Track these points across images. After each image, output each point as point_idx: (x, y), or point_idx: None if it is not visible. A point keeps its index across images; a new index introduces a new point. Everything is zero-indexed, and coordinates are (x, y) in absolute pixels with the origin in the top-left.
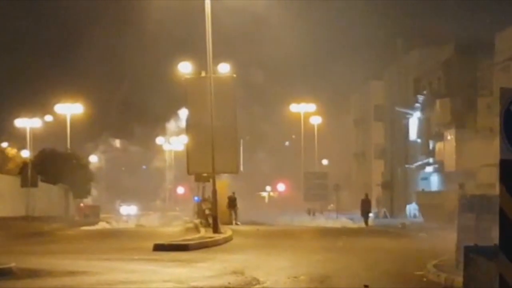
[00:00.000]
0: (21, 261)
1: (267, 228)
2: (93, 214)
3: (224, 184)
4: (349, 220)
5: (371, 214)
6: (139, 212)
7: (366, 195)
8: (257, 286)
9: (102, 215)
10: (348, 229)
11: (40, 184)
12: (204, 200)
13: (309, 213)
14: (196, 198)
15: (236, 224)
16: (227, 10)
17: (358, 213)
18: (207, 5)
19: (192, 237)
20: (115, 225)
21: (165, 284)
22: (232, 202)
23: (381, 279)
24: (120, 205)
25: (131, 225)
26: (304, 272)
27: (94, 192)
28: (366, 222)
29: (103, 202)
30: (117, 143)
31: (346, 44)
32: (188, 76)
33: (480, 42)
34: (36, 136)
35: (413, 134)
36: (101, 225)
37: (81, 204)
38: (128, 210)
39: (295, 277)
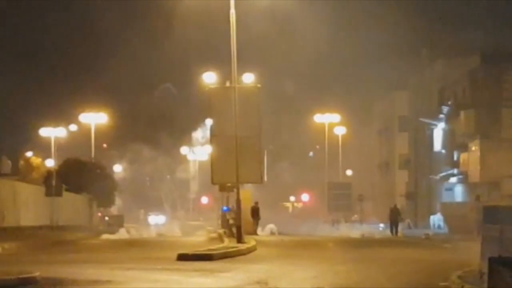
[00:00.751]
0: (45, 270)
1: (291, 238)
2: (117, 224)
3: (248, 194)
4: (373, 231)
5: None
6: (167, 221)
7: (395, 205)
8: None
9: (126, 225)
10: (372, 240)
11: (65, 193)
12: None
13: (333, 223)
14: (224, 208)
15: (256, 234)
16: (251, 19)
17: (381, 223)
18: (232, 15)
19: (216, 247)
20: (134, 233)
21: None
22: (255, 212)
23: None
24: (149, 215)
25: (152, 234)
26: (328, 282)
27: (118, 201)
28: (396, 231)
29: (127, 211)
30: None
31: (370, 54)
32: (212, 86)
33: (505, 52)
34: (61, 146)
35: (437, 145)
36: (121, 233)
37: (99, 214)
38: (156, 219)
39: (319, 287)
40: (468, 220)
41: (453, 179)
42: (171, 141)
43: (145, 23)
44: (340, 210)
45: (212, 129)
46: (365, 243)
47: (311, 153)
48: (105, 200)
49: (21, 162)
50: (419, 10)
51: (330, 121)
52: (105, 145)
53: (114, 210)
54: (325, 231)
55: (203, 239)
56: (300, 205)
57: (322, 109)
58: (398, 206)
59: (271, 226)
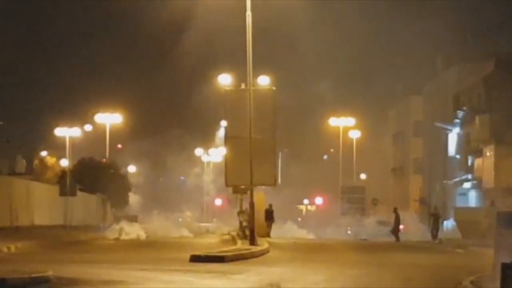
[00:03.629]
0: (58, 269)
1: (304, 241)
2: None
3: (262, 197)
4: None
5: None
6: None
7: (395, 209)
8: None
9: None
10: (384, 244)
11: (79, 193)
12: (241, 212)
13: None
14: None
15: (269, 236)
16: (268, 21)
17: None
18: (248, 17)
19: (228, 249)
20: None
21: None
22: (269, 215)
23: None
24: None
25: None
26: (340, 286)
27: (133, 201)
28: (397, 237)
29: (142, 212)
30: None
31: (386, 58)
32: (227, 88)
33: None
34: (75, 146)
35: (452, 150)
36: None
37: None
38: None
39: None
40: (482, 226)
41: (467, 184)
42: (186, 143)
43: (161, 24)
44: (354, 213)
45: (226, 131)
46: (377, 247)
47: (325, 156)
48: (119, 200)
49: (36, 162)
50: (435, 15)
51: (345, 124)
52: (119, 146)
53: (128, 210)
54: (338, 234)
55: (216, 241)
56: (313, 208)
57: (337, 113)
58: (411, 210)
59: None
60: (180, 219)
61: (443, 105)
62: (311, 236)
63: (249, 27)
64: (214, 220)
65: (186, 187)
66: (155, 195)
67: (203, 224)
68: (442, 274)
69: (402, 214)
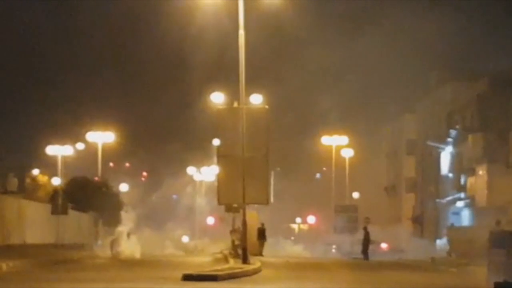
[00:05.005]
0: None
1: (297, 260)
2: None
3: (254, 215)
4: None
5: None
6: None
7: (365, 227)
8: None
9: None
10: (378, 262)
11: (70, 211)
12: (233, 230)
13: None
14: None
15: (261, 255)
16: (260, 40)
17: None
18: (240, 36)
19: (221, 268)
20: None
21: None
22: (261, 233)
23: None
24: None
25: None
26: None
27: (125, 220)
28: (366, 256)
29: (133, 230)
30: (147, 172)
31: (379, 77)
32: (220, 107)
33: None
34: (67, 164)
35: (444, 169)
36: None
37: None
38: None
39: None
40: (475, 245)
41: (460, 203)
42: (178, 161)
43: (154, 43)
44: (346, 232)
45: (219, 149)
46: (370, 265)
47: (318, 175)
48: (111, 219)
49: (28, 180)
50: (429, 33)
51: (337, 143)
52: (112, 164)
53: (122, 229)
54: (331, 253)
55: (208, 260)
56: (306, 226)
57: (330, 131)
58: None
59: None
60: (175, 238)
61: (436, 124)
62: (307, 253)
63: (242, 45)
64: (206, 239)
65: (178, 206)
66: (147, 214)
67: (192, 242)
68: None
69: (396, 233)
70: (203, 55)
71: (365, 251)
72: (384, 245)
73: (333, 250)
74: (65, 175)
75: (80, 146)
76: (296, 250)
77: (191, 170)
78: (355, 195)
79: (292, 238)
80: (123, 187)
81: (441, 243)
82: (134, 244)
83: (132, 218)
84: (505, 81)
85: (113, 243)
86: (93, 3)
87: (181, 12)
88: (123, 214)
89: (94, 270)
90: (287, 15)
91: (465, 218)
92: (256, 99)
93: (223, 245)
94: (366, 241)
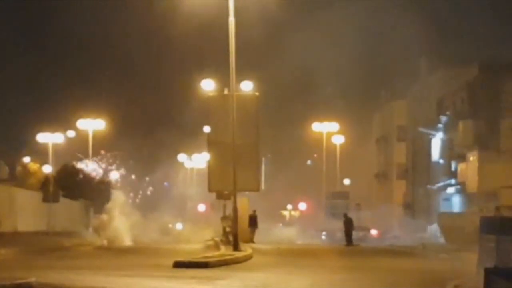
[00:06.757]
0: (41, 276)
1: (288, 247)
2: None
3: (245, 202)
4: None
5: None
6: (184, 228)
7: (345, 214)
8: None
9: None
10: (369, 249)
11: (62, 199)
12: (224, 217)
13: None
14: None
15: (252, 242)
16: (250, 27)
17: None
18: (231, 23)
19: (212, 255)
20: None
21: None
22: (253, 220)
23: None
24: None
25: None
26: None
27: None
28: (349, 241)
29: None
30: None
31: (370, 63)
32: (210, 94)
33: (504, 63)
34: (58, 151)
35: (435, 155)
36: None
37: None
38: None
39: None
40: (465, 231)
41: (450, 189)
42: (169, 148)
43: (144, 30)
44: (337, 219)
45: (209, 136)
46: (361, 252)
47: (309, 162)
48: (102, 206)
49: (19, 168)
50: (419, 20)
51: (328, 130)
52: (102, 152)
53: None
54: (322, 240)
55: (200, 247)
56: (297, 213)
57: (321, 118)
58: (394, 216)
59: None
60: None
61: (427, 110)
62: (298, 239)
63: (232, 32)
64: (199, 225)
65: (169, 193)
66: (137, 201)
67: (180, 228)
68: (426, 279)
69: (387, 219)
70: (193, 42)
71: (348, 237)
72: (374, 232)
73: (323, 237)
74: (56, 163)
75: (71, 133)
76: (288, 236)
77: (182, 157)
78: (346, 181)
79: (280, 224)
80: (114, 175)
81: (432, 228)
82: (122, 229)
83: (121, 202)
84: (495, 67)
85: (99, 227)
86: None
87: None
88: (111, 197)
89: (85, 258)
90: (278, 1)
91: (456, 204)
92: (247, 86)
93: (212, 233)
94: (349, 227)
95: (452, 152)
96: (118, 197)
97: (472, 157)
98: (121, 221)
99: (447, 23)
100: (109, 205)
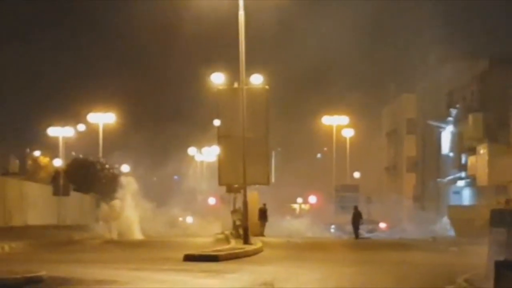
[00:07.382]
0: (51, 269)
1: (298, 240)
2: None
3: (255, 196)
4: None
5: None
6: (194, 222)
7: (356, 208)
8: None
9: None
10: (379, 242)
11: (72, 193)
12: (234, 211)
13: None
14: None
15: (262, 235)
16: (261, 21)
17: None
18: (240, 17)
19: (222, 248)
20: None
21: None
22: (263, 214)
23: None
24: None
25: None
26: (334, 285)
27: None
28: (356, 234)
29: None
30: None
31: (380, 56)
32: (220, 87)
33: None
34: (69, 145)
35: (445, 148)
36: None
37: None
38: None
39: None
40: (475, 224)
41: (460, 183)
42: (179, 142)
43: (154, 24)
44: (347, 212)
45: (219, 130)
46: (371, 245)
47: (319, 155)
48: (113, 196)
49: (29, 162)
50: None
51: (338, 123)
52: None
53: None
54: (332, 233)
55: (210, 240)
56: (307, 207)
57: (331, 111)
58: (404, 209)
59: None
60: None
61: (436, 103)
62: (308, 232)
63: (242, 26)
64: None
65: (179, 186)
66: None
67: (190, 222)
68: (436, 272)
69: (397, 213)
70: (204, 35)
71: (356, 230)
72: (383, 225)
73: (332, 230)
74: (66, 157)
75: (81, 127)
76: (297, 229)
77: (192, 150)
78: (356, 174)
79: (288, 217)
80: (125, 168)
81: (442, 221)
82: (133, 220)
83: (133, 188)
84: (505, 61)
85: (109, 217)
86: None
87: None
88: (120, 190)
89: (96, 251)
90: None
91: (466, 197)
92: (257, 80)
93: (222, 226)
94: (357, 220)
95: (462, 145)
96: (130, 183)
97: (482, 150)
98: (132, 210)
99: (458, 16)
100: (120, 193)
